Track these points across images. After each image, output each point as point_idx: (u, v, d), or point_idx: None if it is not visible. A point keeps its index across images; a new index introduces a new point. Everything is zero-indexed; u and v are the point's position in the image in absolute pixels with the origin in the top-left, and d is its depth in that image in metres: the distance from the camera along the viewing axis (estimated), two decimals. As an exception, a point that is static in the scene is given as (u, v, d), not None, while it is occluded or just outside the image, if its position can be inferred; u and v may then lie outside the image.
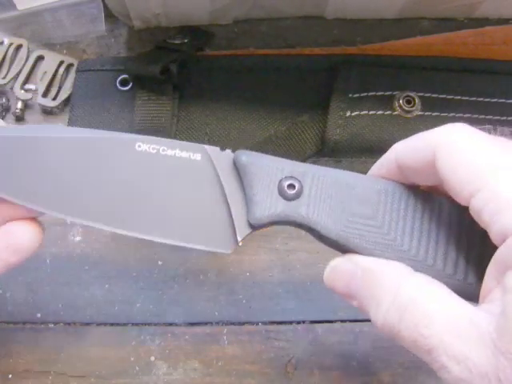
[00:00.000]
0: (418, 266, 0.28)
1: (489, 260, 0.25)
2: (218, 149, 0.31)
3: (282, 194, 0.29)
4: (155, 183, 0.30)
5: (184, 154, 0.30)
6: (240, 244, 0.30)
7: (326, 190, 0.29)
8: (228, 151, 0.31)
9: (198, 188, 0.30)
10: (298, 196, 0.29)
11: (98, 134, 0.31)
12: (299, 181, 0.29)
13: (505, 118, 0.43)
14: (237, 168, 0.30)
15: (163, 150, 0.30)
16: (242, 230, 0.30)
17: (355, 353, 0.39)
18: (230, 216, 0.30)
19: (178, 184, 0.30)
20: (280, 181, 0.29)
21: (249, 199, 0.29)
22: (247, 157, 0.30)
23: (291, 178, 0.29)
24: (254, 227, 0.29)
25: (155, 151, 0.30)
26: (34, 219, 0.31)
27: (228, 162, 0.30)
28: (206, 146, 0.31)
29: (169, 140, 0.31)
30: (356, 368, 0.39)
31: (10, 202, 0.29)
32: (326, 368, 0.39)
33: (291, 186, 0.29)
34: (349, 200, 0.29)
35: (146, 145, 0.30)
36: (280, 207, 0.29)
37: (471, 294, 0.27)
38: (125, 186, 0.30)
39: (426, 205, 0.29)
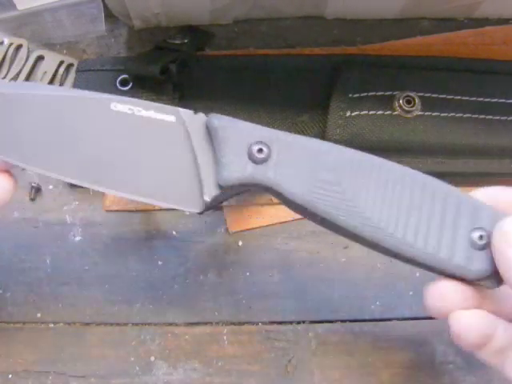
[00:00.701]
0: (379, 234, 0.29)
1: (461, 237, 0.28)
2: (191, 112, 0.31)
3: (251, 157, 0.30)
4: (129, 142, 0.31)
5: (158, 116, 0.31)
6: (207, 200, 0.30)
7: (294, 156, 0.30)
8: (201, 114, 0.31)
9: (170, 149, 0.31)
10: (266, 160, 0.30)
11: (75, 93, 0.32)
12: (268, 146, 0.30)
13: (505, 118, 0.43)
14: (209, 131, 0.31)
15: (138, 111, 0.31)
16: (211, 191, 0.30)
17: (355, 353, 0.39)
18: (200, 177, 0.30)
19: (151, 144, 0.31)
20: (250, 145, 0.30)
21: (218, 161, 0.30)
22: (219, 120, 0.30)
23: (261, 142, 0.30)
24: (222, 188, 0.30)
25: (130, 112, 0.31)
26: (7, 172, 0.32)
27: (201, 124, 0.31)
28: (180, 109, 0.32)
29: (144, 101, 0.32)
30: (356, 368, 0.39)
31: None
32: (326, 368, 0.39)
33: (260, 150, 0.30)
34: (315, 166, 0.29)
35: (122, 105, 0.31)
36: (248, 170, 0.29)
37: (440, 268, 0.29)
38: (99, 143, 0.31)
39: (390, 175, 0.30)
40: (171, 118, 0.31)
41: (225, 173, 0.30)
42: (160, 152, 0.31)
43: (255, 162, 0.30)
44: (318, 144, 0.30)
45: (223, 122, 0.30)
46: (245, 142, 0.30)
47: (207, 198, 0.30)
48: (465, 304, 0.29)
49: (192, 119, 0.31)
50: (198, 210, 0.31)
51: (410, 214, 0.29)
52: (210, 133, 0.31)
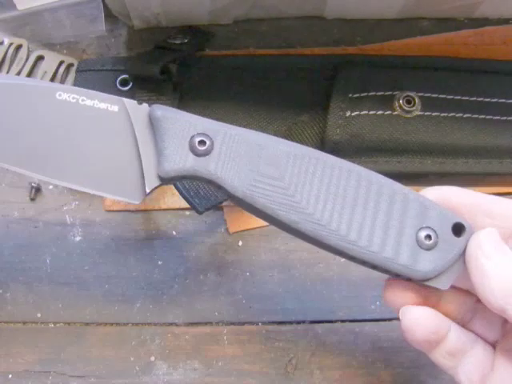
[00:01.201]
0: (322, 230, 0.28)
1: (407, 236, 0.28)
2: (135, 102, 0.31)
3: (192, 149, 0.29)
4: (73, 131, 0.31)
5: (102, 105, 0.31)
6: (147, 191, 0.31)
7: (236, 149, 0.29)
8: (145, 105, 0.31)
9: (112, 139, 0.31)
10: (208, 153, 0.29)
11: (20, 81, 0.32)
12: (211, 138, 0.29)
13: (505, 118, 0.43)
14: (151, 121, 0.30)
15: (82, 100, 0.31)
16: (151, 182, 0.30)
17: (355, 353, 0.39)
18: (141, 168, 0.30)
19: (94, 134, 0.31)
20: (192, 137, 0.29)
21: (160, 152, 0.30)
22: (162, 111, 0.30)
23: (203, 134, 0.30)
24: (162, 180, 0.30)
25: (75, 100, 0.31)
26: None
27: (144, 115, 0.31)
28: (124, 99, 0.32)
29: (88, 90, 0.32)
30: (356, 368, 0.39)
31: None
32: (326, 368, 0.39)
33: (202, 143, 0.29)
34: (257, 160, 0.29)
35: (66, 94, 0.31)
36: (189, 162, 0.29)
37: (385, 267, 0.28)
38: (43, 132, 0.31)
39: (334, 171, 0.29)
40: (114, 108, 0.31)
41: (165, 164, 0.29)
42: (103, 142, 0.31)
43: (197, 154, 0.29)
44: (262, 137, 0.30)
45: (166, 113, 0.30)
46: (187, 134, 0.29)
47: (147, 189, 0.30)
48: (415, 303, 0.29)
49: (135, 109, 0.31)
50: (138, 201, 0.31)
51: (354, 210, 0.28)
52: (152, 123, 0.30)
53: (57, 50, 0.47)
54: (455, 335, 0.29)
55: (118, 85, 0.44)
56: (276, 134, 0.43)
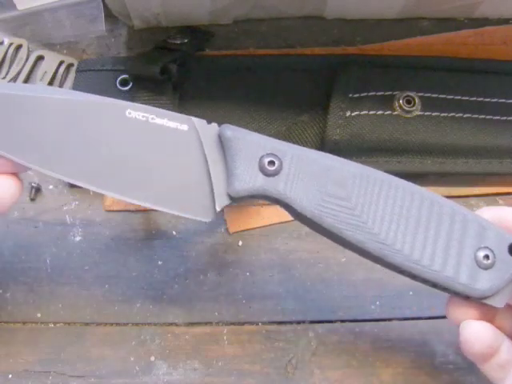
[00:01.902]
0: (386, 250, 0.29)
1: (466, 255, 0.28)
2: (204, 121, 0.32)
3: (262, 169, 0.30)
4: (142, 149, 0.31)
5: (172, 124, 0.31)
6: (217, 209, 0.31)
7: (305, 170, 0.30)
8: (214, 124, 0.32)
9: (182, 157, 0.31)
10: (277, 172, 0.30)
11: (91, 98, 0.32)
12: (280, 158, 0.30)
13: (505, 118, 0.43)
14: (221, 141, 0.31)
15: (152, 119, 0.31)
16: (221, 201, 0.31)
17: (355, 353, 0.39)
18: (211, 187, 0.31)
19: (164, 152, 0.31)
20: (261, 157, 0.30)
21: (230, 172, 0.30)
22: (232, 131, 0.31)
23: (272, 155, 0.30)
24: (232, 199, 0.30)
25: (144, 119, 0.31)
26: (15, 175, 0.32)
27: (213, 134, 0.31)
28: (194, 118, 0.32)
29: (158, 109, 0.32)
30: (356, 368, 0.39)
31: None
32: (326, 368, 0.39)
33: (271, 163, 0.30)
34: (325, 180, 0.30)
35: (136, 112, 0.31)
36: (259, 182, 0.30)
37: (446, 286, 0.29)
38: (112, 149, 0.31)
39: (398, 192, 0.30)
40: (184, 127, 0.31)
41: (236, 184, 0.30)
42: (172, 160, 0.31)
43: (266, 174, 0.30)
44: (329, 159, 0.31)
45: (236, 133, 0.31)
46: (256, 154, 0.30)
47: (218, 208, 0.31)
48: (475, 318, 0.30)
49: (205, 129, 0.31)
50: (208, 219, 0.31)
51: (417, 231, 0.29)
52: (222, 143, 0.31)
53: (57, 49, 0.47)
54: (507, 349, 0.30)
55: (118, 85, 0.44)
56: (276, 133, 0.43)
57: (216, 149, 0.31)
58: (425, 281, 0.30)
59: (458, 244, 0.29)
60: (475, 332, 0.30)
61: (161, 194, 0.31)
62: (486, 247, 0.29)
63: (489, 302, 0.29)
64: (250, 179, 0.30)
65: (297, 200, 0.30)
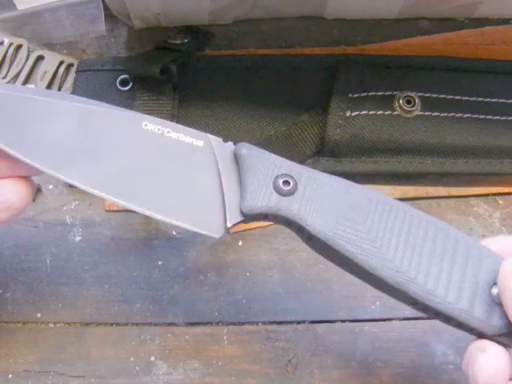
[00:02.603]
0: (400, 277, 0.28)
1: (481, 290, 0.27)
2: (220, 139, 0.32)
3: (276, 189, 0.30)
4: (156, 161, 0.31)
5: (187, 139, 0.32)
6: (229, 230, 0.31)
7: (319, 192, 0.30)
8: (230, 143, 0.32)
9: (196, 172, 0.31)
10: (291, 193, 0.30)
11: (107, 108, 0.32)
12: (295, 179, 0.30)
13: (505, 118, 0.43)
14: (236, 159, 0.31)
15: (168, 132, 0.32)
16: (233, 218, 0.30)
17: (355, 353, 0.39)
18: (223, 203, 0.31)
19: (178, 165, 0.31)
20: (276, 177, 0.30)
21: (243, 189, 0.30)
22: (248, 150, 0.31)
23: (287, 175, 0.30)
24: (245, 216, 0.30)
25: (160, 132, 0.32)
26: (26, 178, 0.32)
27: (229, 152, 0.31)
28: (210, 135, 0.32)
29: (174, 124, 0.32)
30: (356, 368, 0.39)
31: (8, 158, 0.30)
32: (326, 368, 0.39)
33: (286, 183, 0.30)
34: (340, 204, 0.29)
35: (152, 125, 0.32)
36: (273, 201, 0.30)
37: (460, 319, 0.28)
38: (127, 159, 0.31)
39: (414, 221, 0.30)
40: (200, 143, 0.32)
41: (250, 201, 0.30)
42: (186, 174, 0.31)
43: (280, 193, 0.30)
44: (344, 183, 0.31)
45: (252, 151, 0.31)
46: (272, 173, 0.30)
47: (229, 225, 0.30)
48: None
49: (220, 146, 0.32)
50: (219, 235, 0.31)
51: (432, 261, 0.29)
52: (237, 161, 0.31)
53: (57, 49, 0.47)
54: None
55: (117, 85, 0.44)
56: (276, 134, 0.43)
57: (231, 166, 0.31)
58: (438, 314, 0.29)
59: (473, 278, 0.29)
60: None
61: (173, 206, 0.31)
62: None
63: (504, 340, 0.28)
64: (264, 197, 0.30)
65: (311, 222, 0.29)
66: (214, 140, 0.32)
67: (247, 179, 0.30)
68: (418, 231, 0.29)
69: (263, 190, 0.30)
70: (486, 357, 0.27)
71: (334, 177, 0.31)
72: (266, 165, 0.30)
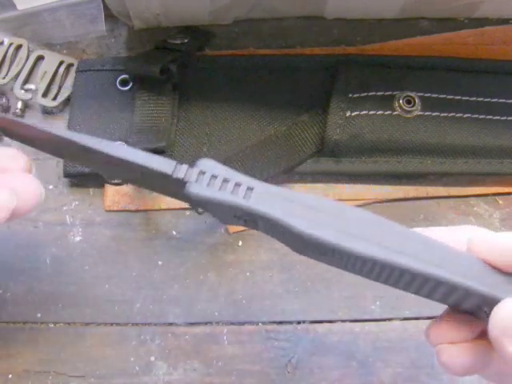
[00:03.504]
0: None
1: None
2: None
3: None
4: None
5: None
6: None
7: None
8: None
9: None
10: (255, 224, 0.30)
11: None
12: (254, 221, 0.29)
13: (505, 118, 0.43)
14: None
15: None
16: None
17: (355, 353, 0.39)
18: None
19: None
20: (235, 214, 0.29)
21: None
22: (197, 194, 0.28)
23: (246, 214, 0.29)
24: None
25: None
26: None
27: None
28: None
29: None
30: (356, 368, 0.39)
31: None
32: (326, 368, 0.39)
33: (246, 220, 0.30)
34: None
35: None
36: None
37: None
38: None
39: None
40: None
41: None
42: None
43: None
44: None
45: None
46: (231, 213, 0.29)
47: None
48: (453, 339, 0.28)
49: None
50: None
51: None
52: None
53: (57, 49, 0.47)
54: (499, 360, 0.27)
55: (117, 85, 0.44)
56: (276, 133, 0.43)
57: None
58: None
59: None
60: (450, 357, 0.27)
61: None
62: None
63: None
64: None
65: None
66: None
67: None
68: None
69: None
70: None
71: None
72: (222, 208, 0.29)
